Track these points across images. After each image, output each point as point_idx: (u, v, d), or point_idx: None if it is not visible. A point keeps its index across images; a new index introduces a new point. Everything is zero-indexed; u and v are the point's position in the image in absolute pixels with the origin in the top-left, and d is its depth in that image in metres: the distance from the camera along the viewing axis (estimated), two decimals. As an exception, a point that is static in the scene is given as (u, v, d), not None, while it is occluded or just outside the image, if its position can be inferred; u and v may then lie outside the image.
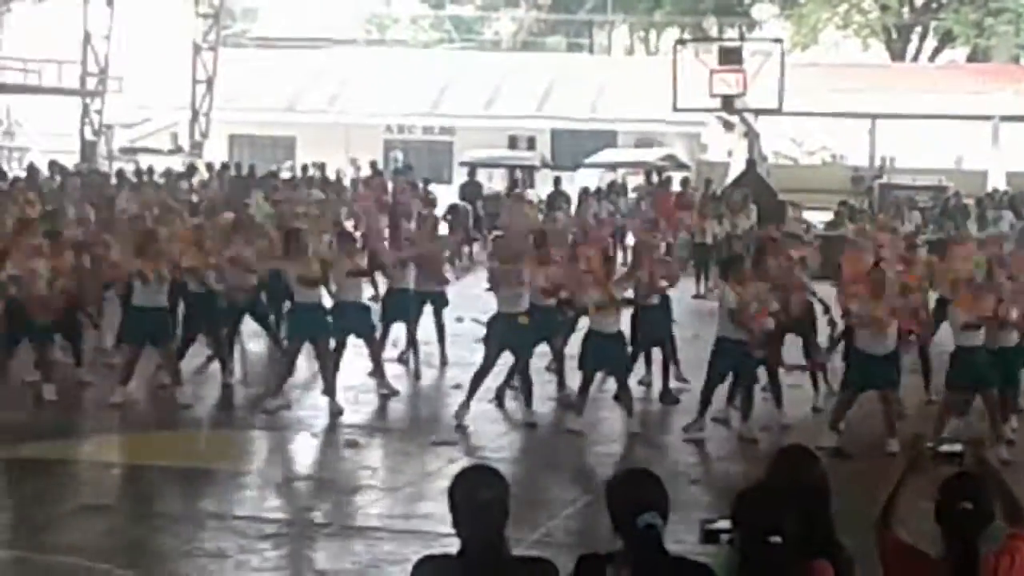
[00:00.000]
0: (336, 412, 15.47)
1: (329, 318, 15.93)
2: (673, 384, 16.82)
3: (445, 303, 18.12)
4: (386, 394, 16.44)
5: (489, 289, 15.80)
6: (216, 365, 17.19)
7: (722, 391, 15.18)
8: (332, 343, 16.02)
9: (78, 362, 16.67)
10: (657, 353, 17.02)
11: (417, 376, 17.71)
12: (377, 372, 16.65)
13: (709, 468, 14.12)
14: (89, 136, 40.05)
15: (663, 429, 15.49)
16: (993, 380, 14.40)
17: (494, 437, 15.08)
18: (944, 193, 35.40)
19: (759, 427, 14.95)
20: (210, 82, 42.97)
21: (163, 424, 15.26)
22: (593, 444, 14.68)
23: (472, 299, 18.90)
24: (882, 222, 25.28)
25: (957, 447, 5.60)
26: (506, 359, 15.62)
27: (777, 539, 4.90)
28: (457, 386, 15.99)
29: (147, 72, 46.20)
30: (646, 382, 17.05)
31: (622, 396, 15.10)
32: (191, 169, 35.93)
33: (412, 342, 17.97)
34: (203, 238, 17.18)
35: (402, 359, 18.06)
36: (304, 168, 37.96)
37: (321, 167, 36.93)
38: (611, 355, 14.94)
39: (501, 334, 15.34)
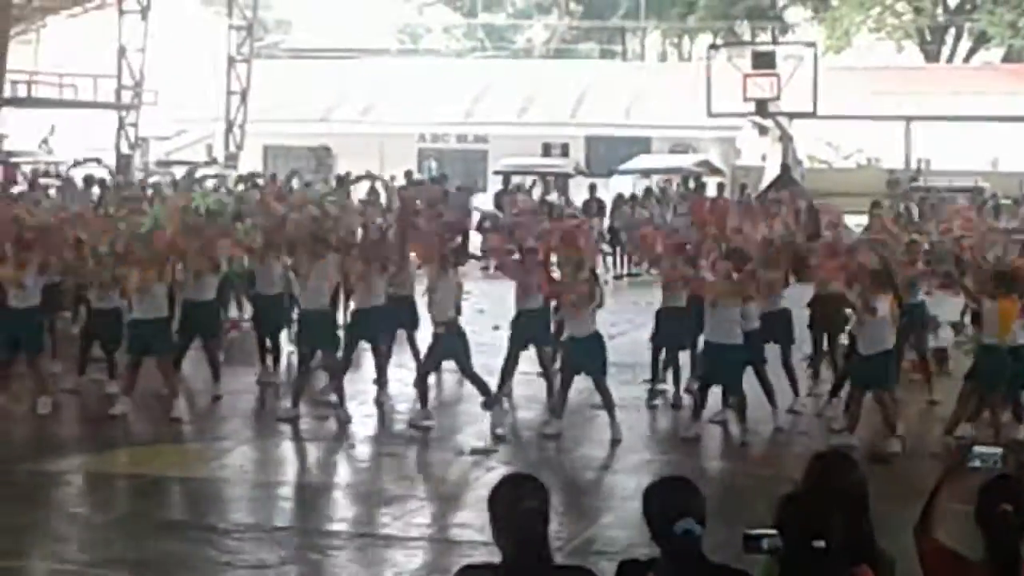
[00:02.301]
0: (345, 420, 15.52)
1: (337, 326, 15.97)
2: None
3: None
4: (382, 403, 16.45)
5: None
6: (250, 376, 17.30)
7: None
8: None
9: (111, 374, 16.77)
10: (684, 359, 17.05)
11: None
12: (380, 380, 16.69)
13: (740, 473, 14.04)
14: (125, 149, 40.21)
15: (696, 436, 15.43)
16: (1003, 382, 14.42)
17: (530, 446, 15.09)
18: (981, 195, 35.23)
19: (771, 429, 15.02)
20: (244, 94, 43.11)
21: (193, 436, 15.34)
22: (626, 451, 14.63)
23: (509, 308, 18.85)
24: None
25: (996, 452, 5.58)
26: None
27: (821, 544, 4.89)
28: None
29: (182, 85, 46.31)
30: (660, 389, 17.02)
31: (602, 399, 15.02)
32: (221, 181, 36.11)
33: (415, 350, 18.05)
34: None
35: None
36: (339, 179, 38.00)
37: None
38: (587, 357, 14.94)
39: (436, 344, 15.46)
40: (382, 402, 16.41)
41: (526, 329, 16.17)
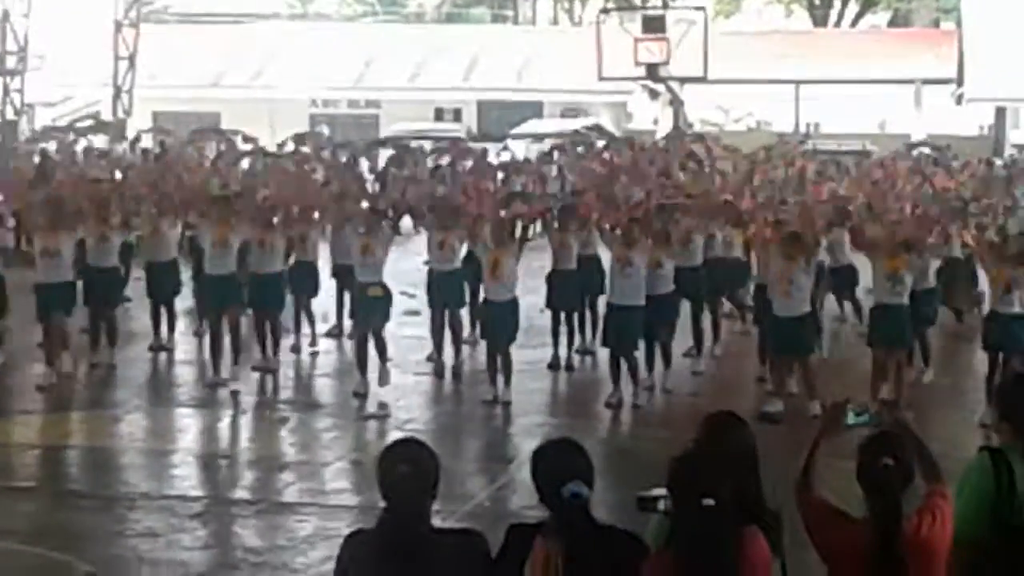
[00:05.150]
0: (230, 384, 15.45)
1: (241, 289, 15.91)
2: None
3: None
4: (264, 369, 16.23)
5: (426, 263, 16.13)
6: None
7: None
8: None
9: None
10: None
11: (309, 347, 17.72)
12: (275, 348, 16.54)
13: (636, 436, 14.13)
14: (10, 116, 39.56)
15: (592, 398, 15.48)
16: (907, 340, 14.58)
17: (424, 410, 15.11)
18: (868, 157, 35.61)
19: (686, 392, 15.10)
20: (132, 59, 42.50)
21: (90, 404, 15.16)
22: (523, 415, 14.69)
23: (401, 272, 18.84)
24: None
25: (871, 409, 5.67)
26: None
27: (710, 502, 4.92)
28: (388, 359, 15.92)
29: (68, 50, 45.69)
30: (580, 350, 17.12)
31: (501, 364, 15.01)
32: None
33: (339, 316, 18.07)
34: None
35: (331, 333, 18.09)
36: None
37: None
38: (499, 323, 14.97)
39: (359, 305, 15.54)
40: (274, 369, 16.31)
41: (441, 292, 16.20)
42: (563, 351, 16.74)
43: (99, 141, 38.19)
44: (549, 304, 16.76)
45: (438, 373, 16.16)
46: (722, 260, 17.36)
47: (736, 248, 17.53)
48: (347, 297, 17.53)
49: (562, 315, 16.77)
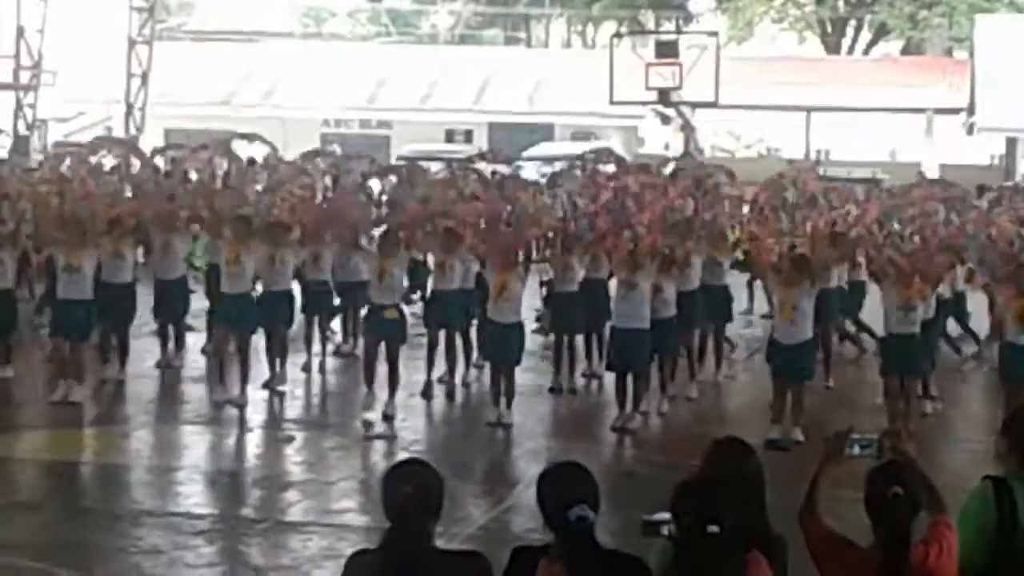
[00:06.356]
0: (239, 404, 15.41)
1: (253, 309, 15.90)
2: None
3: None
4: (275, 390, 16.26)
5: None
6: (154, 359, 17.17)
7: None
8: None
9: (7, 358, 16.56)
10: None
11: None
12: (281, 365, 16.53)
13: (641, 460, 14.09)
14: (23, 131, 39.67)
15: (598, 422, 15.46)
16: (919, 369, 14.58)
17: (430, 431, 15.10)
18: (878, 185, 35.61)
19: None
20: (145, 76, 42.62)
21: (97, 420, 15.16)
22: (527, 437, 14.66)
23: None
24: None
25: (873, 438, 5.67)
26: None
27: (715, 528, 4.92)
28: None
29: (81, 66, 45.79)
30: (587, 373, 17.12)
31: (504, 387, 14.99)
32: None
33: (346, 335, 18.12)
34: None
35: (339, 352, 18.10)
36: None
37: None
38: (503, 344, 14.95)
39: (372, 326, 15.47)
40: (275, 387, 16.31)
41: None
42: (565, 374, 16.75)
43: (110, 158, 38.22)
44: (552, 327, 16.73)
45: (424, 394, 16.11)
46: (723, 287, 17.38)
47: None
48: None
49: (564, 338, 16.75)
